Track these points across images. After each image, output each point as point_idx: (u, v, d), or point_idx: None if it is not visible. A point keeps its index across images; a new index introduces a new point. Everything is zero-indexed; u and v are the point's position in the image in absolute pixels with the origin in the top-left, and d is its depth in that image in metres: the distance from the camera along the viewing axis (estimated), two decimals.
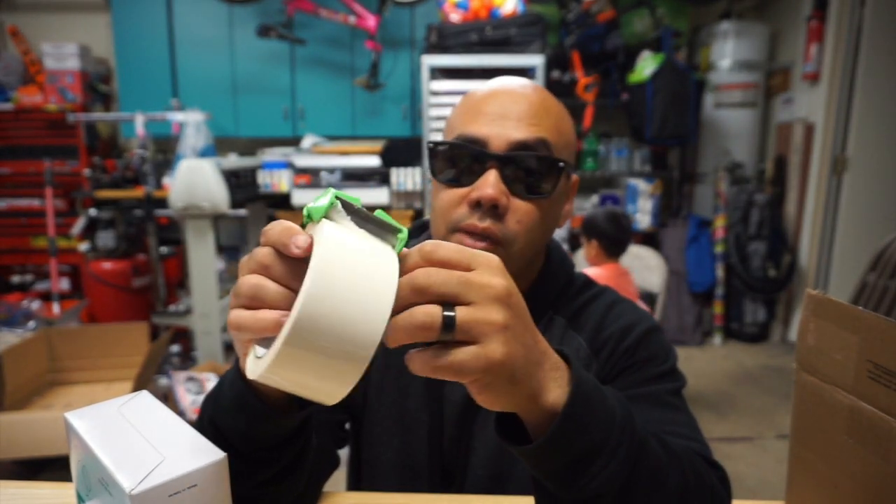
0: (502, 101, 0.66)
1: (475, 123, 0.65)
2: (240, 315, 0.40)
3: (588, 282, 0.79)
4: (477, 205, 0.63)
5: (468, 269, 0.39)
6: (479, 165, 0.64)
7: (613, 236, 2.17)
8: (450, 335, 0.37)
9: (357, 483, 0.84)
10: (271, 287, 0.39)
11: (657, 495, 0.48)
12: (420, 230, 0.83)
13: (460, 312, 0.37)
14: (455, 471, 0.76)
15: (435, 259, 0.39)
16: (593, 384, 0.46)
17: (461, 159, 0.66)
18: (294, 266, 0.39)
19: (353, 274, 0.36)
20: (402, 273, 0.38)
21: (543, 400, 0.42)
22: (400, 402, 0.77)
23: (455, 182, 0.66)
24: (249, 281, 0.40)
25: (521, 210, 0.64)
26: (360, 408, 0.79)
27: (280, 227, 0.40)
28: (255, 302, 0.39)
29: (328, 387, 0.38)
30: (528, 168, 0.64)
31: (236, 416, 0.52)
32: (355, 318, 0.35)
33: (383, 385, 0.77)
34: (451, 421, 0.75)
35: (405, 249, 0.40)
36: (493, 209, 0.63)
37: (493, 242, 0.64)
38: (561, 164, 0.65)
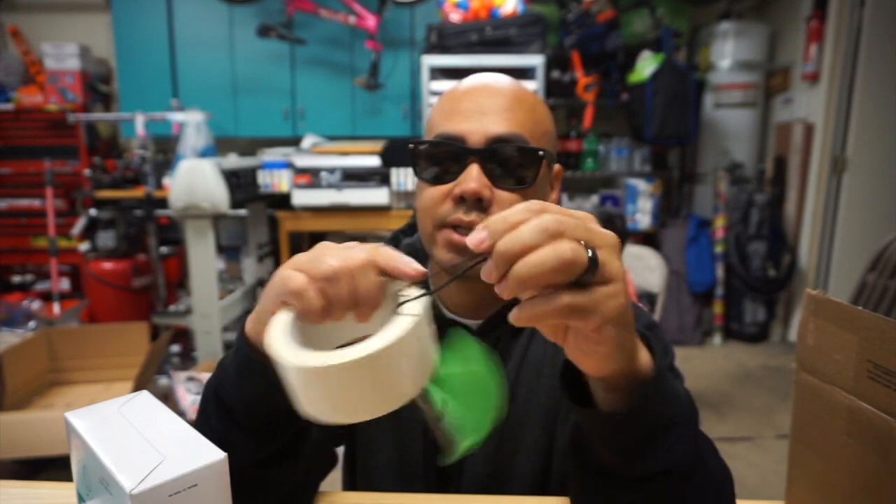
0: (478, 98, 0.67)
1: (453, 121, 0.66)
2: (295, 279, 0.42)
3: None
4: (461, 199, 0.64)
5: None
6: (460, 161, 0.65)
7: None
8: (590, 276, 0.38)
9: (353, 483, 0.84)
10: (366, 284, 0.41)
11: (706, 481, 0.50)
12: (413, 229, 0.84)
13: (600, 254, 0.38)
14: (451, 470, 0.75)
15: (549, 211, 0.39)
16: (664, 366, 0.47)
17: (442, 157, 0.67)
18: (379, 287, 0.42)
19: (428, 340, 0.42)
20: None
21: (638, 361, 0.45)
22: None
23: (438, 179, 0.67)
24: (319, 256, 0.42)
25: (505, 201, 0.65)
26: None
27: (392, 252, 0.42)
28: (329, 285, 0.41)
29: (343, 413, 0.40)
30: (509, 160, 0.65)
31: (242, 384, 0.53)
32: (411, 373, 0.40)
33: None
34: None
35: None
36: (477, 202, 0.64)
37: None
38: (540, 152, 0.66)
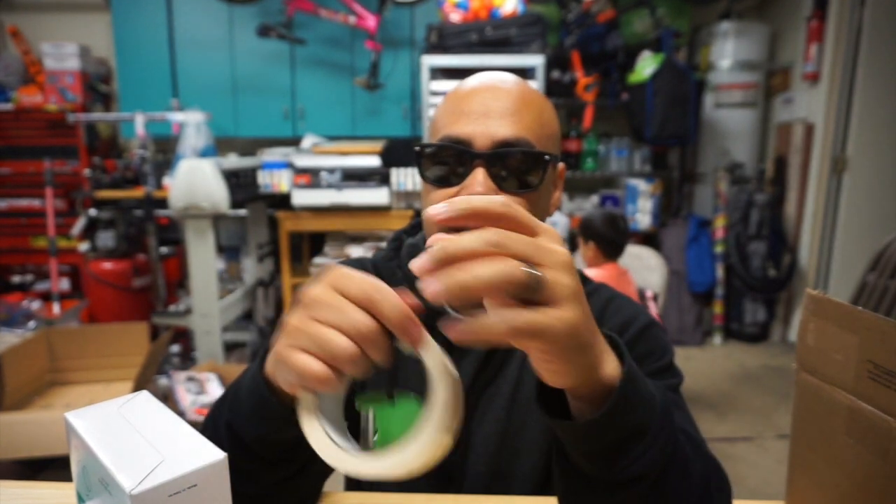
0: (484, 99, 0.66)
1: (459, 123, 0.66)
2: (313, 368, 0.40)
3: (584, 278, 0.80)
4: None
5: (533, 234, 0.39)
6: (466, 165, 0.65)
7: (610, 238, 2.18)
8: (534, 294, 0.36)
9: (355, 485, 0.84)
10: (351, 350, 0.39)
11: (685, 483, 0.49)
12: (415, 229, 0.84)
13: (548, 274, 0.37)
14: (453, 469, 0.75)
15: (506, 218, 0.38)
16: (636, 369, 0.46)
17: (448, 160, 0.66)
18: (387, 349, 0.39)
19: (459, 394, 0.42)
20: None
21: (601, 372, 0.43)
22: None
23: (444, 182, 0.67)
24: (331, 336, 0.39)
25: None
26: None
27: (398, 305, 0.39)
28: (322, 353, 0.39)
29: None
30: (514, 164, 0.65)
31: (258, 423, 0.52)
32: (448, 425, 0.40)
33: (379, 378, 0.78)
34: None
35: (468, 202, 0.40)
36: None
37: None
38: (546, 156, 0.66)
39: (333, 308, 0.40)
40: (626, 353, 0.46)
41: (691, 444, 0.53)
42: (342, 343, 0.39)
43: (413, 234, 0.83)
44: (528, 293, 0.36)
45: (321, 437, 0.42)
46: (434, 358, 0.40)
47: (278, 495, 0.59)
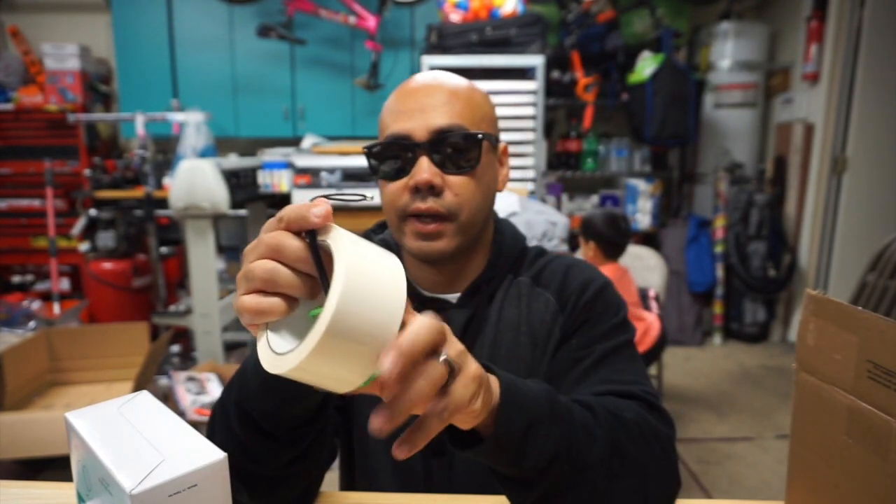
0: (418, 97, 0.73)
1: (400, 121, 0.73)
2: (257, 300, 0.41)
3: (543, 250, 0.86)
4: (416, 190, 0.71)
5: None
6: (410, 156, 0.72)
7: (611, 238, 2.18)
8: (452, 375, 0.43)
9: (349, 468, 0.85)
10: (285, 272, 0.41)
11: (593, 448, 0.55)
12: (382, 227, 0.90)
13: (448, 352, 0.42)
14: (442, 437, 0.77)
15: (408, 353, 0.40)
16: (512, 377, 0.52)
17: (394, 154, 0.73)
18: (305, 252, 0.41)
19: (375, 266, 0.40)
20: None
21: (492, 398, 0.49)
22: None
23: (395, 175, 0.73)
24: (264, 266, 0.41)
25: (455, 184, 0.72)
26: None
27: (296, 206, 0.42)
28: (269, 286, 0.41)
29: (349, 375, 0.40)
30: (453, 147, 0.72)
31: (265, 399, 0.54)
32: (381, 306, 0.38)
33: None
34: None
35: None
36: (430, 190, 0.71)
37: (440, 219, 0.72)
38: (479, 135, 0.73)
39: (254, 248, 0.43)
40: (495, 368, 0.51)
41: (594, 414, 0.58)
42: (262, 266, 0.41)
43: (380, 232, 0.88)
44: (450, 379, 0.43)
45: (263, 345, 0.43)
46: (339, 245, 0.40)
47: (287, 479, 0.61)
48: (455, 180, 0.72)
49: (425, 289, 0.80)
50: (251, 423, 0.57)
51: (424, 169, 0.70)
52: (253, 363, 0.56)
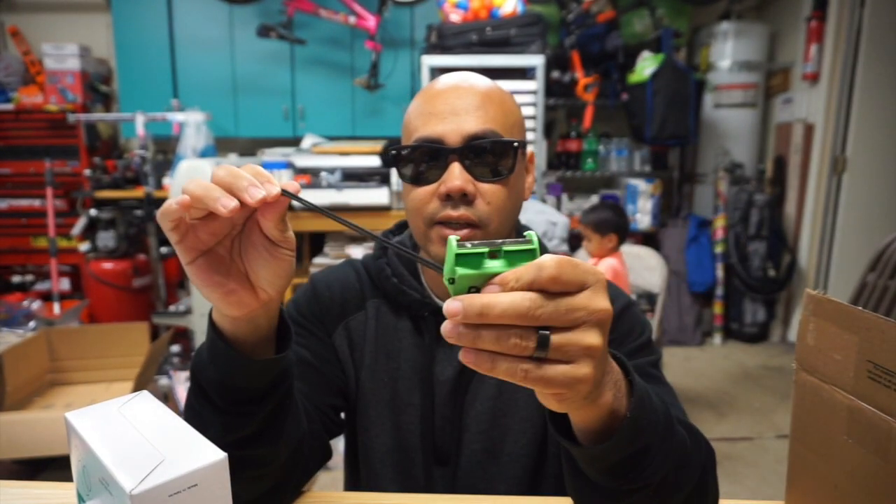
0: (450, 99, 0.71)
1: (430, 124, 0.70)
2: (205, 186, 0.45)
3: None
4: (447, 197, 0.69)
5: (582, 286, 0.38)
6: (441, 161, 0.70)
7: (626, 226, 2.36)
8: (543, 353, 0.37)
9: (354, 470, 0.85)
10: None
11: (686, 471, 0.53)
12: (400, 228, 0.88)
13: (558, 338, 0.37)
14: (449, 448, 0.78)
15: (554, 279, 0.37)
16: (644, 386, 0.47)
17: (424, 159, 0.71)
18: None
19: None
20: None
21: (602, 401, 0.43)
22: (391, 385, 0.79)
23: (423, 180, 0.71)
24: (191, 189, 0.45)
25: (488, 193, 0.70)
26: (354, 392, 0.81)
27: (253, 171, 0.45)
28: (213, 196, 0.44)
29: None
30: (486, 154, 0.70)
31: (210, 366, 0.55)
32: None
33: (375, 368, 0.80)
34: (441, 400, 0.78)
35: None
36: (462, 197, 0.69)
37: (472, 227, 0.70)
38: (515, 143, 0.71)
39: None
40: (634, 377, 0.46)
41: (690, 434, 0.55)
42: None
43: (399, 233, 0.87)
44: (537, 353, 0.37)
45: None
46: None
47: (239, 463, 0.56)
48: (487, 188, 0.70)
49: (440, 297, 0.79)
50: (203, 392, 0.57)
51: (457, 176, 0.68)
52: (206, 333, 0.57)
